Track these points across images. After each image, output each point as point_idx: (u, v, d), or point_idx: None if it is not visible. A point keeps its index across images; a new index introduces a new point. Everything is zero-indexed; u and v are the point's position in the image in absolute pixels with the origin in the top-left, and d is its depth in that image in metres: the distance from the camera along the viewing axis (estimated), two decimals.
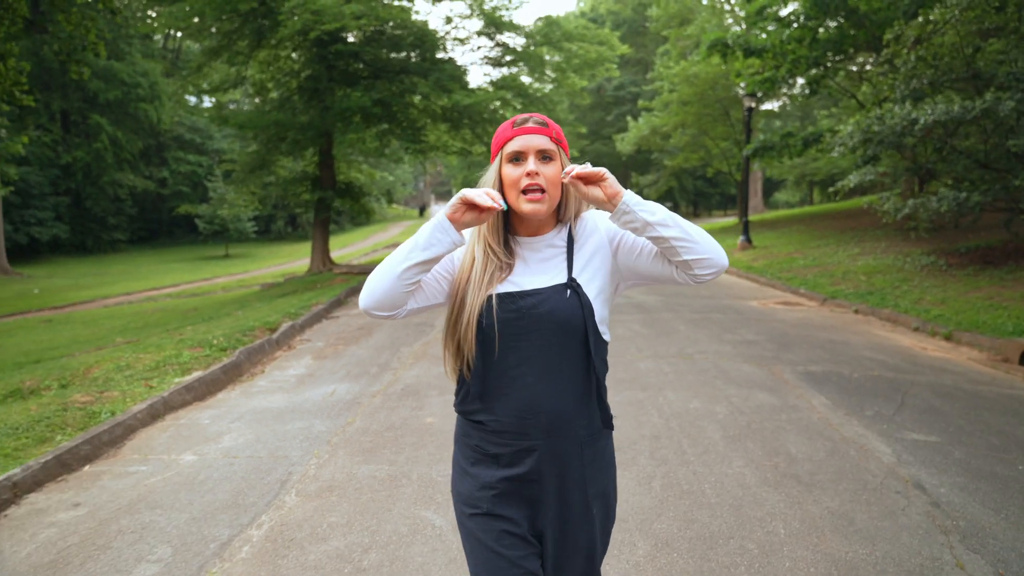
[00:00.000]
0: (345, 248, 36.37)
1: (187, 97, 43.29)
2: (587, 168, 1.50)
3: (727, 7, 28.12)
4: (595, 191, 1.51)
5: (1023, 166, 10.40)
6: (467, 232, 1.62)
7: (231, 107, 20.53)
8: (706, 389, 5.22)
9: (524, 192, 1.53)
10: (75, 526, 3.22)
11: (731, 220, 31.62)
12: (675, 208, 48.62)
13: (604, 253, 1.62)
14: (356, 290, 12.16)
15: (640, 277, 1.65)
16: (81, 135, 40.44)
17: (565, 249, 1.61)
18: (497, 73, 16.33)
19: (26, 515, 3.38)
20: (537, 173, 1.53)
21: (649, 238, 1.53)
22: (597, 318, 1.57)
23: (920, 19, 12.19)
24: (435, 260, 1.51)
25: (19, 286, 27.80)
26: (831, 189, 13.06)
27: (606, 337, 1.61)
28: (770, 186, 47.01)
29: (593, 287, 1.58)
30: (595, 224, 1.65)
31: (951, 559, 2.75)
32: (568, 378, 1.54)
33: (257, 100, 17.36)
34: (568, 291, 1.54)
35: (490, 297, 1.52)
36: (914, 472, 3.64)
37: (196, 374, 6.14)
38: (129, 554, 2.93)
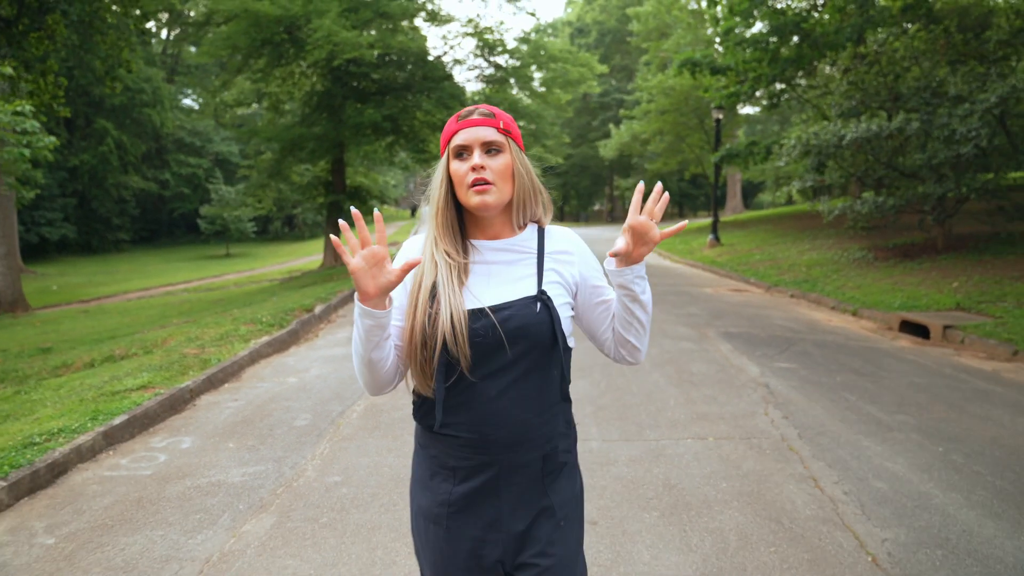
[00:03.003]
0: None
1: (185, 102, 44.61)
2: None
3: (705, 19, 30.31)
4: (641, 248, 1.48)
5: (930, 175, 12.52)
6: (418, 240, 1.60)
7: (225, 111, 22.25)
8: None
9: (471, 187, 1.47)
10: (244, 407, 5.24)
11: (708, 221, 33.81)
12: None
13: (572, 272, 1.58)
14: None
15: (581, 320, 1.63)
16: (87, 139, 42.06)
17: (533, 256, 1.55)
18: (491, 89, 18.38)
19: (207, 405, 5.39)
20: (483, 167, 1.47)
21: (625, 305, 1.54)
22: (566, 329, 1.53)
23: (848, 51, 14.29)
24: (379, 336, 1.43)
25: (37, 283, 29.44)
26: (777, 193, 15.17)
27: (571, 344, 1.57)
28: (754, 188, 49.07)
29: (563, 299, 1.54)
30: (567, 240, 1.61)
31: (762, 412, 4.82)
32: (534, 391, 1.49)
33: (261, 110, 19.34)
34: (538, 304, 1.48)
35: (464, 314, 1.44)
36: (767, 380, 5.71)
37: (265, 338, 8.10)
38: (286, 417, 4.95)
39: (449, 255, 1.50)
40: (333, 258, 18.97)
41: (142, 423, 4.84)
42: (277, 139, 16.16)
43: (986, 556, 2.86)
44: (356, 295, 1.40)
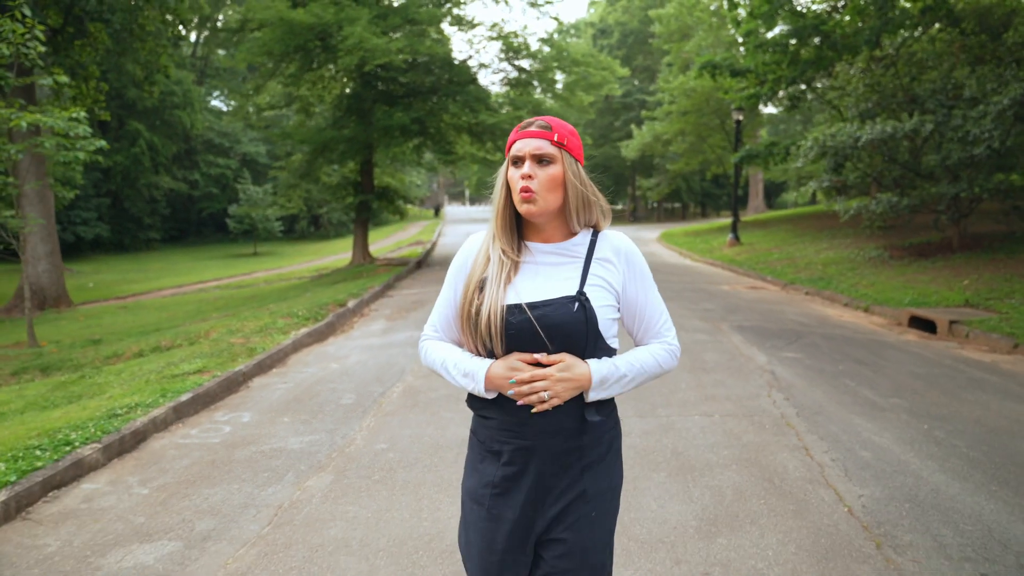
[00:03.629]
0: (370, 246, 38.78)
1: (214, 103, 45.34)
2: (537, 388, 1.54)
3: (727, 20, 30.57)
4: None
5: (945, 175, 12.80)
6: (479, 237, 1.73)
7: (258, 114, 22.90)
8: None
9: (520, 194, 1.59)
10: (293, 388, 5.78)
11: (730, 220, 34.05)
12: (683, 208, 50.84)
13: (616, 279, 1.67)
14: (402, 277, 14.75)
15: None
16: (120, 140, 43.14)
17: (581, 259, 1.65)
18: (515, 92, 18.89)
19: (259, 386, 5.95)
20: (531, 176, 1.58)
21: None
22: (605, 331, 1.62)
23: (864, 53, 14.59)
24: None
25: (73, 280, 30.40)
26: (796, 194, 15.49)
27: (614, 345, 1.66)
28: (777, 188, 48.83)
29: (605, 301, 1.63)
30: (613, 247, 1.69)
31: (766, 394, 5.27)
32: None
33: (290, 112, 19.97)
34: (575, 304, 1.57)
35: (502, 308, 1.57)
36: (774, 367, 6.14)
37: (305, 329, 8.65)
38: (333, 396, 5.48)
39: (505, 253, 1.63)
40: (362, 256, 19.58)
41: (204, 401, 5.40)
42: (309, 141, 16.81)
43: (947, 509, 3.30)
44: (482, 385, 1.59)
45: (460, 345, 1.73)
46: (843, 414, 4.81)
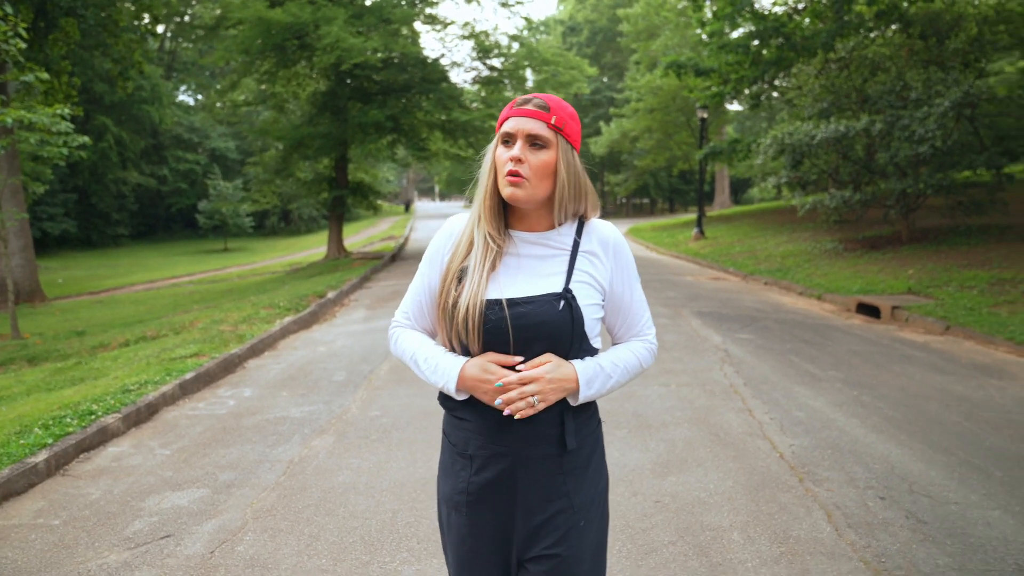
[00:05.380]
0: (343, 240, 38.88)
1: (181, 98, 44.97)
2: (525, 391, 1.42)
3: (692, 21, 31.38)
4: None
5: (895, 172, 13.59)
6: (462, 219, 1.61)
7: (234, 110, 23.11)
8: None
9: (506, 176, 1.46)
10: (287, 368, 6.25)
11: (696, 215, 34.99)
12: (651, 204, 51.78)
13: (604, 271, 1.55)
14: (378, 269, 15.19)
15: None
16: (87, 135, 42.54)
17: (567, 252, 1.53)
18: (486, 89, 19.42)
19: (255, 367, 6.40)
20: (520, 160, 1.45)
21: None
22: (590, 331, 1.51)
23: (819, 56, 15.36)
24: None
25: (43, 276, 30.18)
26: (753, 190, 16.20)
27: (597, 346, 1.56)
28: (743, 183, 49.81)
29: (591, 300, 1.52)
30: (600, 239, 1.57)
31: (719, 368, 5.87)
32: None
33: (264, 109, 20.29)
34: (561, 302, 1.46)
35: (481, 303, 1.45)
36: (727, 346, 6.76)
37: (290, 317, 9.08)
38: (325, 374, 5.96)
39: (491, 237, 1.51)
40: (336, 250, 19.94)
41: (206, 379, 5.84)
42: (285, 138, 17.18)
43: (862, 453, 3.91)
44: (454, 384, 1.48)
45: (433, 335, 1.64)
46: (785, 383, 5.42)
